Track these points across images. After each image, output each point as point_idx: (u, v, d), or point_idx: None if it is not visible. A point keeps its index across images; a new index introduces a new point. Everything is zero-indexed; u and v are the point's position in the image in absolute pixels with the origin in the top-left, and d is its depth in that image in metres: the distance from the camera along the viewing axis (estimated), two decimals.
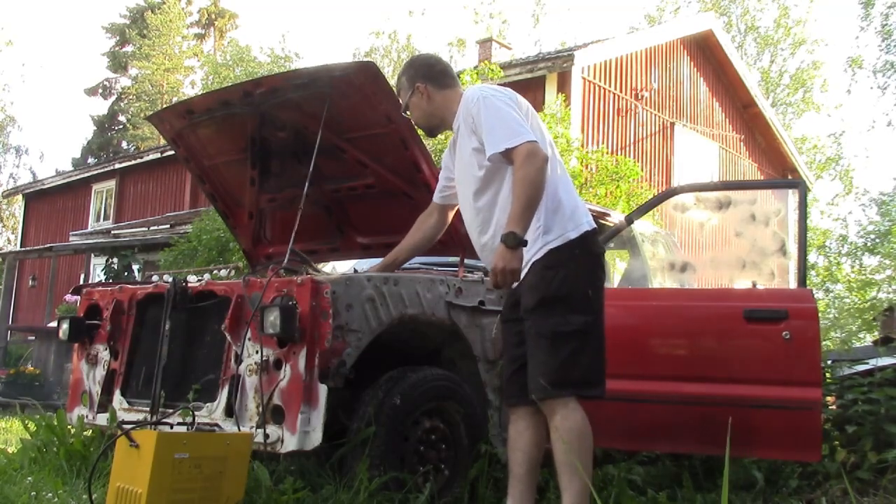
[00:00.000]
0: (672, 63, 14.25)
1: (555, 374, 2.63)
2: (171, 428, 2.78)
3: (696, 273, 4.40)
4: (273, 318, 2.84)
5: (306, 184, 3.44)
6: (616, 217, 4.58)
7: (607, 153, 11.06)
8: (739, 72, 15.54)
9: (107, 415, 3.42)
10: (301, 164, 3.65)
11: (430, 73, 3.00)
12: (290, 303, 2.90)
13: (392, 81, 3.25)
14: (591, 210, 4.50)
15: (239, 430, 2.91)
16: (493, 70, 10.41)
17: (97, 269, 14.34)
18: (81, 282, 13.74)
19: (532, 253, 2.72)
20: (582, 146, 11.28)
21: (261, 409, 2.91)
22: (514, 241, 2.59)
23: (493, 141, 2.69)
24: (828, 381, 4.48)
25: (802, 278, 3.57)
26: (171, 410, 3.07)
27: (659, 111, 13.80)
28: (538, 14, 29.19)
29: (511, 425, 2.86)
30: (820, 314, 3.47)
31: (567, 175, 2.92)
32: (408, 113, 3.08)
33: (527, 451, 2.77)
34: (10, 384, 10.06)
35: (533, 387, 2.67)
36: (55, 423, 3.62)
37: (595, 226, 2.86)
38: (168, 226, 14.28)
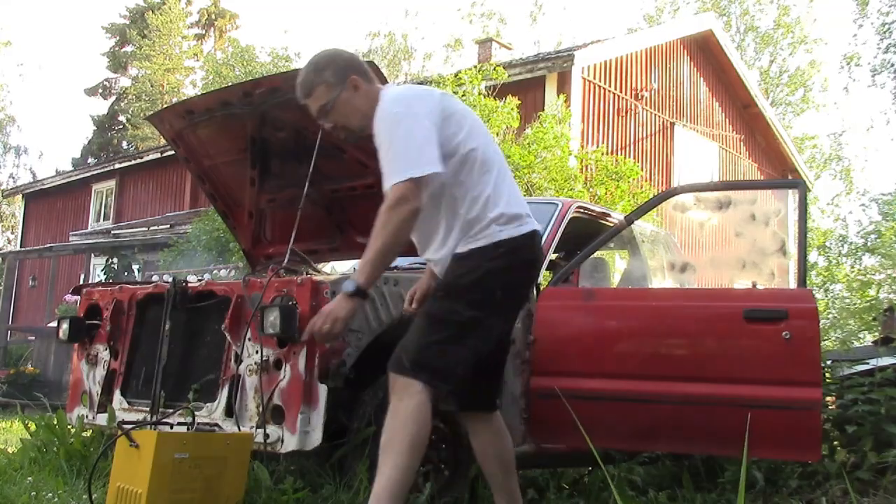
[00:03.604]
0: (672, 63, 14.24)
1: (418, 354, 2.41)
2: (171, 428, 2.78)
3: (696, 273, 4.40)
4: (273, 318, 2.84)
5: (306, 184, 3.44)
6: (616, 217, 4.58)
7: (607, 153, 11.05)
8: (739, 72, 15.53)
9: (107, 415, 3.42)
10: (301, 164, 3.65)
11: (360, 66, 2.62)
12: (290, 303, 2.90)
13: (390, 82, 3.20)
14: (590, 210, 4.51)
15: (239, 430, 2.91)
16: (496, 71, 10.36)
17: (97, 269, 14.35)
18: (81, 282, 13.74)
19: (450, 247, 2.54)
20: (582, 146, 11.28)
21: (261, 409, 2.91)
22: (353, 291, 2.38)
23: (386, 172, 2.45)
24: (828, 381, 4.47)
25: (802, 278, 3.56)
26: (171, 410, 3.07)
27: (659, 111, 13.80)
28: (535, 14, 29.15)
29: (472, 437, 2.76)
30: (820, 314, 3.47)
31: (503, 178, 2.61)
32: (327, 119, 2.61)
33: (496, 455, 2.72)
34: (10, 384, 10.06)
35: (392, 358, 2.45)
36: (55, 423, 3.62)
37: (534, 228, 2.60)
38: (168, 226, 14.27)
